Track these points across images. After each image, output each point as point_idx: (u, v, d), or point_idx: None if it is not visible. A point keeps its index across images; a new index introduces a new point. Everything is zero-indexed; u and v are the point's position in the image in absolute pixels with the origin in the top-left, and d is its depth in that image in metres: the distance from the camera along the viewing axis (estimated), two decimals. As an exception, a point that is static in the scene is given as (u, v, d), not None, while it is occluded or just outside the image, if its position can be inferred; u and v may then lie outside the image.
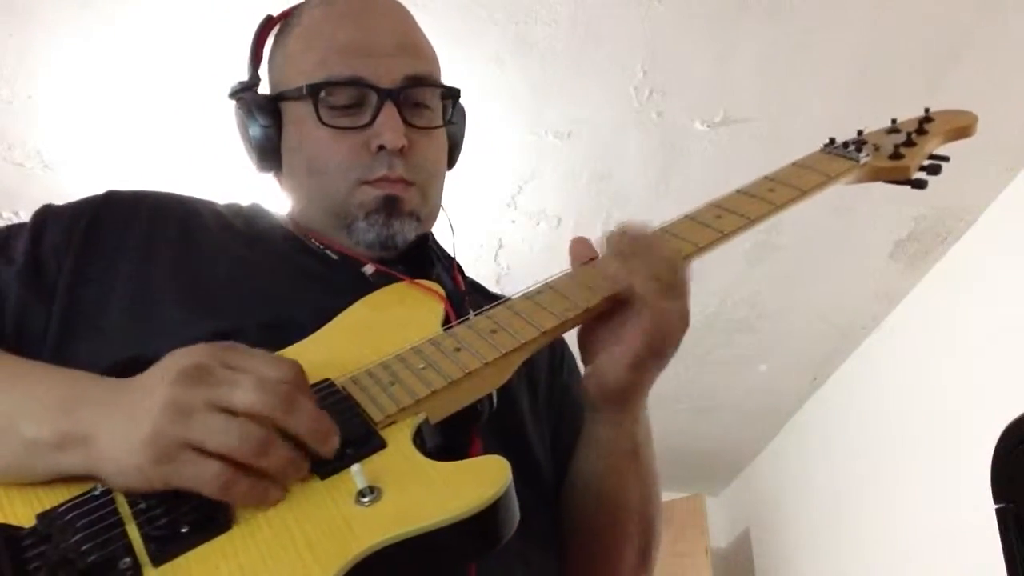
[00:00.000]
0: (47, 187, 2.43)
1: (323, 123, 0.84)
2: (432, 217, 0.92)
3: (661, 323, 0.72)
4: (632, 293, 0.72)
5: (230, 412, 0.57)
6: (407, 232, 0.86)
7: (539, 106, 2.31)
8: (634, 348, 0.72)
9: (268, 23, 0.94)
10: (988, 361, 2.52)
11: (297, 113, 0.87)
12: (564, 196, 2.61)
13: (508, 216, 2.67)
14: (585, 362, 0.78)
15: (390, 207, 0.85)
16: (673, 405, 3.75)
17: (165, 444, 0.56)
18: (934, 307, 2.91)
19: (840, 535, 3.40)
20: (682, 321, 0.73)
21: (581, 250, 0.80)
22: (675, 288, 0.73)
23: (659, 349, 0.73)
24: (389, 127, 0.83)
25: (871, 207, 2.61)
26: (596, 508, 0.83)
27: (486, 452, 0.63)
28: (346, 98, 0.84)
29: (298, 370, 0.61)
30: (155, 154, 2.38)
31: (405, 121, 0.84)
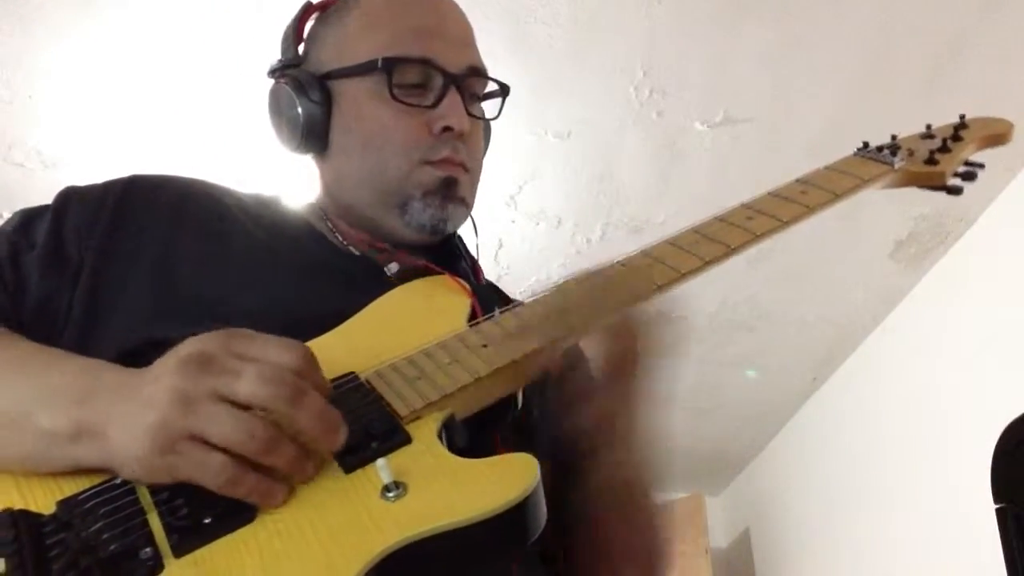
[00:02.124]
0: (47, 187, 2.42)
1: (395, 99, 0.84)
2: (471, 209, 0.92)
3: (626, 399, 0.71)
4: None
5: (234, 402, 0.56)
6: (457, 218, 0.87)
7: (539, 106, 2.31)
8: (600, 407, 0.72)
9: (308, 8, 0.94)
10: (988, 361, 2.52)
11: (355, 90, 0.86)
12: (564, 196, 2.61)
13: (508, 216, 2.67)
14: (558, 404, 0.77)
15: (447, 189, 0.85)
16: (673, 405, 3.74)
17: (169, 434, 0.55)
18: (934, 307, 2.91)
19: (840, 535, 3.39)
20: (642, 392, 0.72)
21: None
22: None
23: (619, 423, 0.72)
24: (456, 110, 0.84)
25: (871, 207, 2.60)
26: (588, 553, 0.80)
27: (511, 451, 0.62)
28: (414, 77, 0.85)
29: (308, 357, 0.60)
30: (155, 153, 2.38)
31: (465, 108, 0.86)
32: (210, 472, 0.55)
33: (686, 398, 3.68)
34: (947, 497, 2.65)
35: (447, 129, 0.84)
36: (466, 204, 0.88)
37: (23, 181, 2.43)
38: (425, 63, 0.84)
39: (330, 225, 0.90)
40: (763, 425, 3.98)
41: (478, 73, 0.89)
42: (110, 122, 2.30)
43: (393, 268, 0.85)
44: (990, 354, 2.52)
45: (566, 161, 2.49)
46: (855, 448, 3.34)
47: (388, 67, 0.84)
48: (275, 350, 0.59)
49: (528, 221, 2.70)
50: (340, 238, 0.88)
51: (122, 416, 0.58)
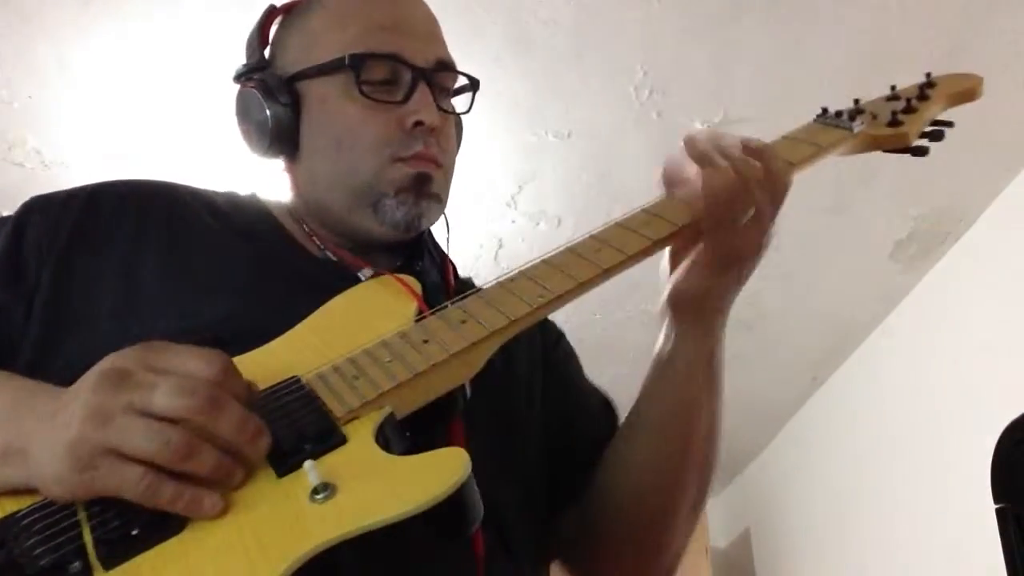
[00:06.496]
0: (47, 187, 2.41)
1: (364, 95, 0.83)
2: (445, 205, 0.92)
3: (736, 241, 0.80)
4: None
5: (151, 416, 0.55)
6: (432, 214, 0.86)
7: (539, 106, 2.31)
8: (712, 255, 0.79)
9: (272, 12, 0.93)
10: (988, 361, 2.52)
11: (323, 90, 0.86)
12: (564, 196, 2.61)
13: (508, 216, 2.67)
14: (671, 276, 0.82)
15: (420, 185, 0.84)
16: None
17: (85, 451, 0.54)
18: (934, 307, 2.91)
19: (840, 535, 3.39)
20: (758, 242, 0.81)
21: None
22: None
23: (738, 257, 0.82)
24: (427, 105, 0.84)
25: (871, 207, 2.60)
26: (664, 432, 0.83)
27: (467, 447, 0.61)
28: (382, 74, 0.84)
29: (225, 366, 0.59)
30: (155, 154, 2.38)
31: (435, 103, 0.85)
32: (128, 483, 0.54)
33: (686, 398, 3.68)
34: (947, 497, 2.65)
35: (418, 124, 0.83)
36: (440, 200, 0.87)
37: (23, 181, 2.43)
38: (393, 58, 0.84)
39: (306, 229, 0.89)
40: (763, 425, 3.97)
41: (447, 67, 0.88)
42: (110, 122, 2.30)
43: (367, 273, 0.84)
44: (990, 354, 2.52)
45: (566, 161, 2.49)
46: (855, 448, 3.34)
47: (355, 64, 0.83)
48: (192, 361, 0.58)
49: (528, 221, 2.70)
50: (317, 242, 0.87)
51: (41, 435, 0.57)
